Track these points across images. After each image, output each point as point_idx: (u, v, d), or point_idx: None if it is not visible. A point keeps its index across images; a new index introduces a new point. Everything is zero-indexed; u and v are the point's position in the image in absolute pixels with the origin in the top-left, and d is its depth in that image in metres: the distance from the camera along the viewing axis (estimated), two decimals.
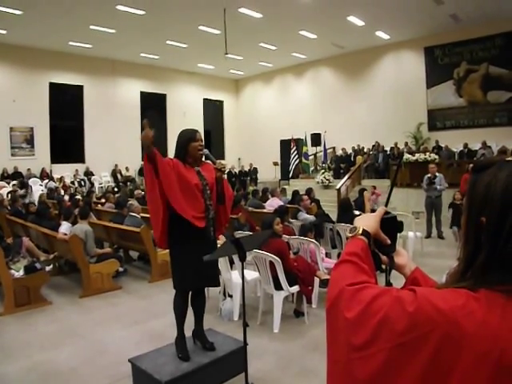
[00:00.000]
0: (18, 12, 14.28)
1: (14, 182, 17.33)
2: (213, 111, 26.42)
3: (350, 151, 19.78)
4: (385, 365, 0.88)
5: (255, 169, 22.67)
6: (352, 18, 15.95)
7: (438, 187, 10.15)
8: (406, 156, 14.67)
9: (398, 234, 1.32)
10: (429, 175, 10.41)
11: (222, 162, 3.84)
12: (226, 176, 3.94)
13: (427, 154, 14.48)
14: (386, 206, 1.42)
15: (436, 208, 10.27)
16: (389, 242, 1.23)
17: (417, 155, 14.53)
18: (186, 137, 3.74)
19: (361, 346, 0.91)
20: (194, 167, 3.71)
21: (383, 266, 1.27)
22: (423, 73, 18.52)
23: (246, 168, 23.05)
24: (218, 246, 3.86)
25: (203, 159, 3.84)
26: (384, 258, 1.24)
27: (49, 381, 3.99)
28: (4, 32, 16.33)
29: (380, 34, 17.93)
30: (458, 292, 0.90)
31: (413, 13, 15.09)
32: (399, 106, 18.87)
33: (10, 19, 14.83)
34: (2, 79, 18.29)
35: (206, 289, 4.25)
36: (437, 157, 14.53)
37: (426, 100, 18.44)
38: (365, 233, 1.16)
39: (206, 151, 3.79)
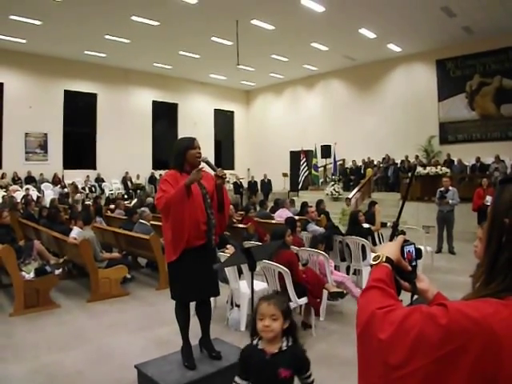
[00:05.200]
0: (37, 22, 14.71)
1: (28, 185, 17.52)
2: (223, 121, 26.55)
3: (360, 163, 19.75)
4: (425, 381, 0.89)
5: (269, 181, 22.47)
6: (364, 31, 16.02)
7: (451, 201, 9.98)
8: (417, 169, 14.59)
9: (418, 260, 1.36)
10: (441, 189, 10.28)
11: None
12: (230, 185, 3.95)
13: (438, 167, 14.36)
14: (398, 220, 1.45)
15: (448, 223, 10.06)
16: (410, 268, 1.28)
17: (428, 168, 14.39)
18: (184, 144, 3.76)
19: (398, 365, 0.92)
20: None
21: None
22: (435, 85, 18.45)
23: (259, 179, 22.95)
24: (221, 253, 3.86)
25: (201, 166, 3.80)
26: (406, 284, 1.27)
27: (55, 383, 4.01)
28: (24, 41, 16.78)
29: (391, 46, 17.95)
30: (486, 301, 0.92)
31: (425, 25, 15.12)
32: (410, 119, 18.81)
33: (30, 29, 15.25)
34: (20, 86, 18.64)
35: (212, 298, 4.23)
36: (448, 170, 14.40)
37: (438, 113, 18.34)
38: (388, 260, 1.21)
39: (205, 158, 3.79)
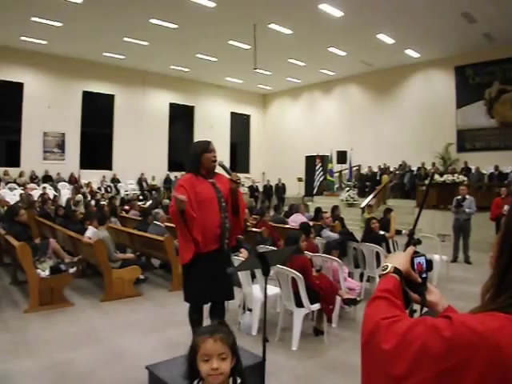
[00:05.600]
0: (58, 24, 14.94)
1: (45, 184, 17.72)
2: (240, 125, 26.61)
3: (375, 170, 19.63)
4: None
5: (283, 185, 22.41)
6: (382, 36, 15.94)
7: (467, 210, 9.86)
8: (434, 177, 14.45)
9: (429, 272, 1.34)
10: (458, 197, 10.17)
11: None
12: (245, 189, 3.96)
13: (455, 175, 14.20)
14: (414, 228, 1.44)
15: (464, 231, 9.95)
16: (419, 280, 1.25)
17: (444, 176, 14.23)
18: (200, 148, 3.76)
19: (401, 376, 0.90)
20: (207, 179, 3.72)
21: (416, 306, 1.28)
22: (453, 92, 18.27)
23: (274, 183, 22.90)
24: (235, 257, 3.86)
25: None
26: (415, 296, 1.25)
27: (66, 381, 4.04)
28: (44, 42, 17.05)
29: (410, 52, 17.82)
30: (493, 315, 0.90)
31: (444, 31, 14.99)
32: (427, 126, 18.63)
33: (51, 31, 15.51)
34: (40, 86, 18.90)
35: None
36: (465, 178, 14.22)
37: (456, 120, 18.13)
38: (396, 271, 1.19)
39: (221, 162, 3.80)
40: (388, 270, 1.19)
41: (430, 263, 1.31)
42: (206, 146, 3.75)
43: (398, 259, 1.24)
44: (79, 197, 13.90)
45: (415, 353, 0.89)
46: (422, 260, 1.28)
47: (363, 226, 9.10)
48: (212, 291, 3.65)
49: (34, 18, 14.40)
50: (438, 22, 14.19)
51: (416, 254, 1.28)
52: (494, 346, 0.83)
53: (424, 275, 1.27)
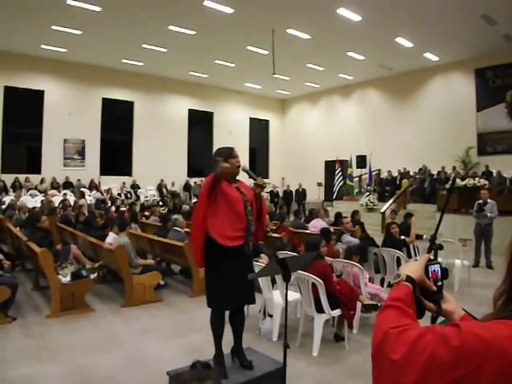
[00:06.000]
0: (77, 32, 15.16)
1: (65, 191, 17.94)
2: (258, 130, 26.64)
3: (395, 174, 19.42)
4: None
5: (304, 190, 22.22)
6: (400, 40, 15.81)
7: (489, 214, 9.72)
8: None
9: (443, 261, 1.32)
10: (480, 201, 10.04)
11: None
12: (265, 194, 3.94)
13: (476, 179, 14.02)
14: (436, 233, 1.41)
15: (486, 236, 9.79)
16: (434, 288, 1.23)
17: (465, 180, 14.05)
18: (224, 153, 3.75)
19: None
20: (231, 184, 3.73)
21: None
22: (473, 95, 18.00)
23: (293, 188, 22.80)
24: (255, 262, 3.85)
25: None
26: (430, 305, 1.23)
27: None
28: (64, 50, 17.32)
29: (429, 55, 17.66)
30: (504, 322, 0.88)
31: (463, 34, 14.80)
32: (447, 130, 18.42)
33: (71, 39, 15.77)
34: (60, 94, 19.19)
35: (245, 306, 4.22)
36: (487, 182, 13.99)
37: (476, 123, 17.84)
38: (409, 279, 1.17)
39: (245, 167, 3.80)
40: (400, 278, 1.18)
41: (445, 271, 1.27)
42: (230, 152, 3.76)
43: (411, 267, 1.22)
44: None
45: (424, 362, 0.88)
46: (436, 268, 1.26)
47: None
48: (235, 297, 3.63)
49: (54, 27, 14.66)
50: (457, 25, 14.01)
51: (431, 261, 1.26)
52: (504, 353, 0.81)
53: (439, 283, 1.25)
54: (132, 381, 4.17)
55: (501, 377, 0.81)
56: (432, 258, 1.28)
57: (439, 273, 1.26)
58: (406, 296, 1.12)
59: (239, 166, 3.74)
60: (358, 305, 5.26)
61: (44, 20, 14.03)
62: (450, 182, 14.46)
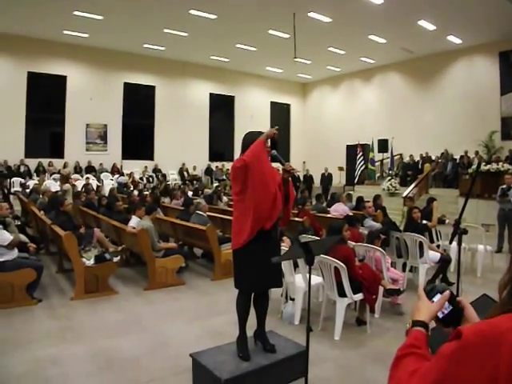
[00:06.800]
0: (99, 17, 15.24)
1: (88, 175, 18.17)
2: (279, 114, 26.47)
3: (417, 158, 19.20)
4: None
5: (330, 174, 21.82)
6: (423, 22, 15.47)
7: None
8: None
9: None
10: (503, 186, 9.84)
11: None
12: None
13: (500, 163, 13.75)
14: (460, 218, 1.39)
15: (509, 221, 9.58)
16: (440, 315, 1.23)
17: (489, 165, 13.80)
18: (254, 138, 3.70)
19: None
20: None
21: None
22: (497, 79, 17.57)
23: (314, 172, 22.56)
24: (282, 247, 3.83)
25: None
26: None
27: (113, 366, 4.13)
28: (86, 35, 17.46)
29: (452, 38, 17.26)
30: (508, 316, 0.87)
31: (487, 16, 14.38)
32: (470, 114, 18.04)
33: (92, 24, 15.86)
34: (82, 79, 19.37)
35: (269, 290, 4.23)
36: (510, 167, 13.69)
37: (500, 107, 17.43)
38: (416, 323, 1.19)
39: (274, 152, 3.76)
40: (407, 327, 1.21)
41: (453, 297, 1.25)
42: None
43: (418, 312, 1.23)
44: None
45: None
46: (436, 297, 1.24)
47: (403, 220, 8.94)
48: (263, 279, 3.63)
49: (75, 12, 14.72)
50: (481, 7, 13.62)
51: (430, 292, 1.25)
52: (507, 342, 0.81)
53: (448, 309, 1.23)
54: (156, 362, 4.22)
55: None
56: (431, 288, 1.28)
57: (438, 296, 1.24)
58: (415, 340, 1.13)
59: (269, 151, 3.70)
60: (380, 289, 5.25)
61: (66, 5, 14.09)
62: (473, 167, 14.22)
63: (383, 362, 4.21)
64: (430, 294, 1.25)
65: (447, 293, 1.23)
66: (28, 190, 14.20)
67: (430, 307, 1.21)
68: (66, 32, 16.99)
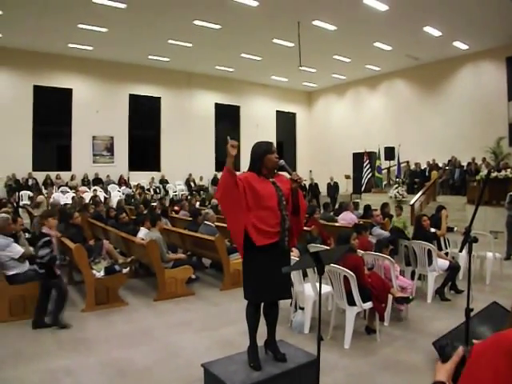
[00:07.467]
0: (103, 30, 15.41)
1: (95, 187, 18.27)
2: (285, 123, 26.60)
3: (424, 166, 19.17)
4: None
5: (336, 183, 21.76)
6: (428, 29, 15.52)
7: None
8: (485, 172, 13.98)
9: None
10: (511, 193, 9.85)
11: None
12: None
13: (508, 170, 13.68)
14: (470, 225, 1.42)
15: None
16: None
17: (497, 172, 13.77)
18: (262, 149, 3.73)
19: None
20: (268, 179, 3.72)
21: None
22: (504, 84, 17.55)
23: (320, 181, 22.51)
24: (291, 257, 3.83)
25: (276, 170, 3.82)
26: None
27: (125, 377, 4.17)
28: (91, 48, 17.64)
29: (458, 44, 17.29)
30: None
31: (494, 21, 14.40)
32: (477, 120, 18.02)
33: (97, 36, 16.04)
34: (88, 91, 19.53)
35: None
36: None
37: (508, 113, 17.40)
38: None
39: (282, 162, 3.78)
40: None
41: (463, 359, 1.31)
42: (269, 147, 3.74)
43: (438, 373, 1.26)
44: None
45: None
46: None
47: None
48: (271, 290, 3.64)
49: (80, 25, 14.91)
50: (487, 11, 13.64)
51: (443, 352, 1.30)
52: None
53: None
54: (168, 373, 4.24)
55: None
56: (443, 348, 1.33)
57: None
58: None
59: (277, 162, 3.73)
60: (390, 297, 5.25)
61: (70, 19, 14.28)
62: (481, 174, 14.16)
63: (393, 370, 4.24)
64: (443, 354, 1.30)
65: (460, 350, 1.28)
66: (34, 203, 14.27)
67: (445, 367, 1.26)
68: (70, 45, 17.18)
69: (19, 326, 5.45)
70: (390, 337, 5.13)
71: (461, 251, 3.83)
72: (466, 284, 3.25)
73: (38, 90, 18.47)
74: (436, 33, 15.86)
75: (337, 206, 12.10)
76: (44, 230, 5.97)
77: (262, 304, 3.82)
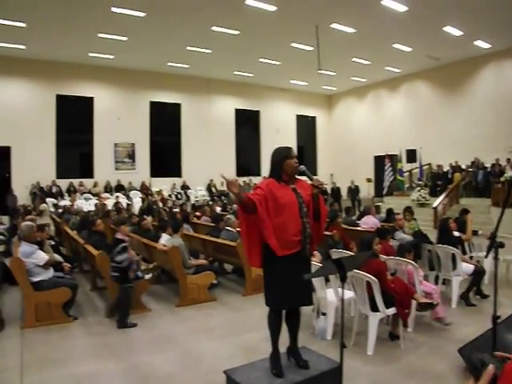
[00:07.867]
0: (123, 38, 15.61)
1: (117, 193, 18.46)
2: (305, 127, 26.55)
3: (446, 168, 18.93)
4: None
5: (357, 187, 21.81)
6: (448, 28, 15.25)
7: None
8: (510, 173, 13.74)
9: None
10: None
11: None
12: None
13: None
14: (496, 230, 1.39)
15: None
16: None
17: None
18: (282, 154, 3.73)
19: None
20: (288, 185, 3.69)
21: None
22: None
23: (342, 184, 22.44)
24: (312, 263, 3.80)
25: (297, 176, 3.80)
26: None
27: (148, 383, 4.20)
28: (112, 57, 17.90)
29: (479, 43, 16.99)
30: None
31: None
32: (501, 120, 17.68)
33: (117, 45, 16.27)
34: (110, 99, 19.82)
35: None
36: None
37: None
38: None
39: (302, 167, 3.77)
40: None
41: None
42: (289, 153, 3.73)
43: None
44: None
45: None
46: None
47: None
48: (292, 297, 3.62)
49: (100, 35, 15.15)
50: (509, 9, 13.34)
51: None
52: None
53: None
54: (190, 379, 4.25)
55: None
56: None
57: None
58: None
59: (297, 167, 3.72)
60: (413, 303, 5.17)
61: (90, 28, 14.52)
62: (505, 175, 13.91)
63: (417, 377, 4.18)
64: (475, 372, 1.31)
65: (491, 368, 1.27)
66: (60, 210, 14.47)
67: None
68: (91, 54, 17.46)
69: (45, 332, 5.53)
70: (414, 343, 5.05)
71: (486, 257, 3.75)
72: (492, 289, 3.20)
73: (60, 99, 18.79)
74: (457, 32, 15.60)
75: (361, 209, 11.97)
76: (119, 236, 6.15)
77: (284, 311, 3.80)
